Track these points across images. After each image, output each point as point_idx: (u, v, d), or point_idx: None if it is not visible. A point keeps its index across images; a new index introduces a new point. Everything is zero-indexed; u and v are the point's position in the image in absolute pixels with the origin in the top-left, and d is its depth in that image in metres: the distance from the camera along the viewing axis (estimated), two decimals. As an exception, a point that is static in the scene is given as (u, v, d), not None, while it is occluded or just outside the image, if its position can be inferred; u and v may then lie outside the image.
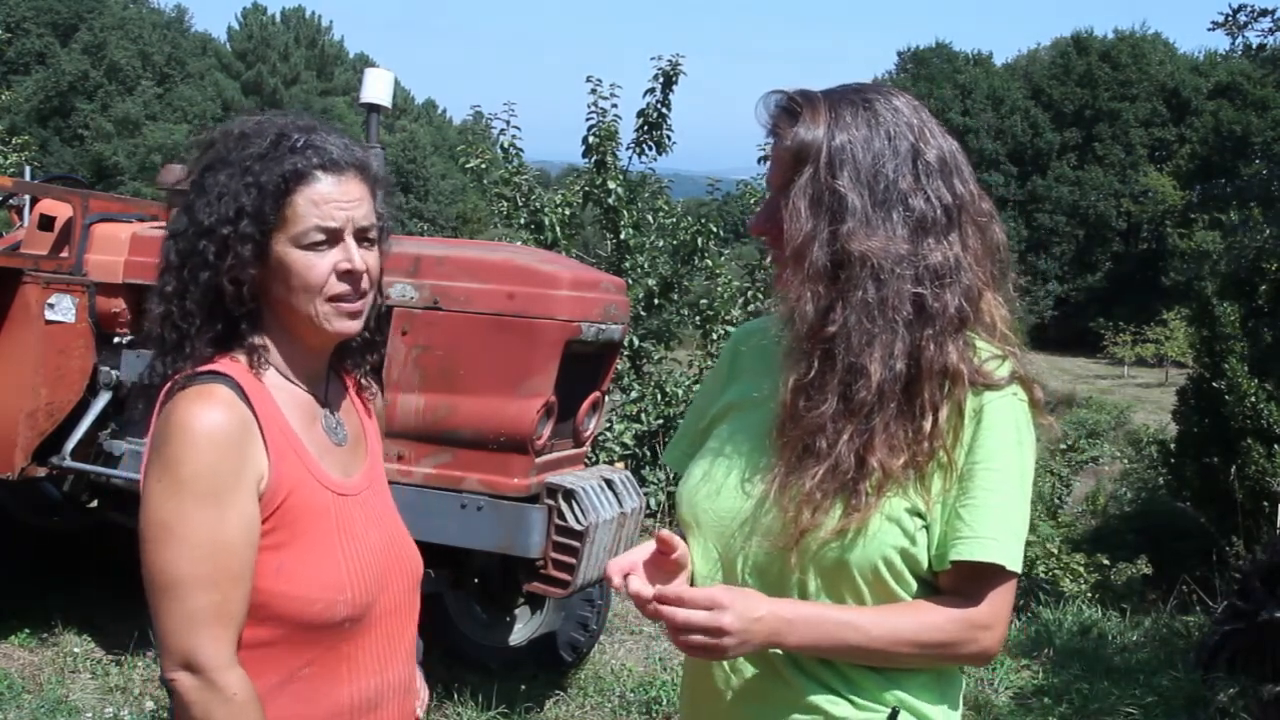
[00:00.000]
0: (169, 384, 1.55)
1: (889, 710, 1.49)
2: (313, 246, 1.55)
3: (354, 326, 1.61)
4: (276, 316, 1.59)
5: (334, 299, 1.57)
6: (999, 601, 1.48)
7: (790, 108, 1.52)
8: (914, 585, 1.49)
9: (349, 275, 1.57)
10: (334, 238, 1.57)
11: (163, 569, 1.46)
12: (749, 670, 1.53)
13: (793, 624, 1.45)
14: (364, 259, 1.58)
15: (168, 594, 1.46)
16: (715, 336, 8.91)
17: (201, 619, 1.45)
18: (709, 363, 9.08)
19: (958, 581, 1.48)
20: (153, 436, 1.52)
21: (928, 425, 1.46)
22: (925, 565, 1.48)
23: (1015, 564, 1.45)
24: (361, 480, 1.67)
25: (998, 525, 1.45)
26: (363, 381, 1.78)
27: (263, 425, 1.53)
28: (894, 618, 1.47)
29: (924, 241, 1.47)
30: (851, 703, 1.49)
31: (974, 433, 1.47)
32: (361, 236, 1.59)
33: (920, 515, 1.47)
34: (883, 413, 1.45)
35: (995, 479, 1.46)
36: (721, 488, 1.57)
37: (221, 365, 1.55)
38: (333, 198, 1.56)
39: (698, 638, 1.41)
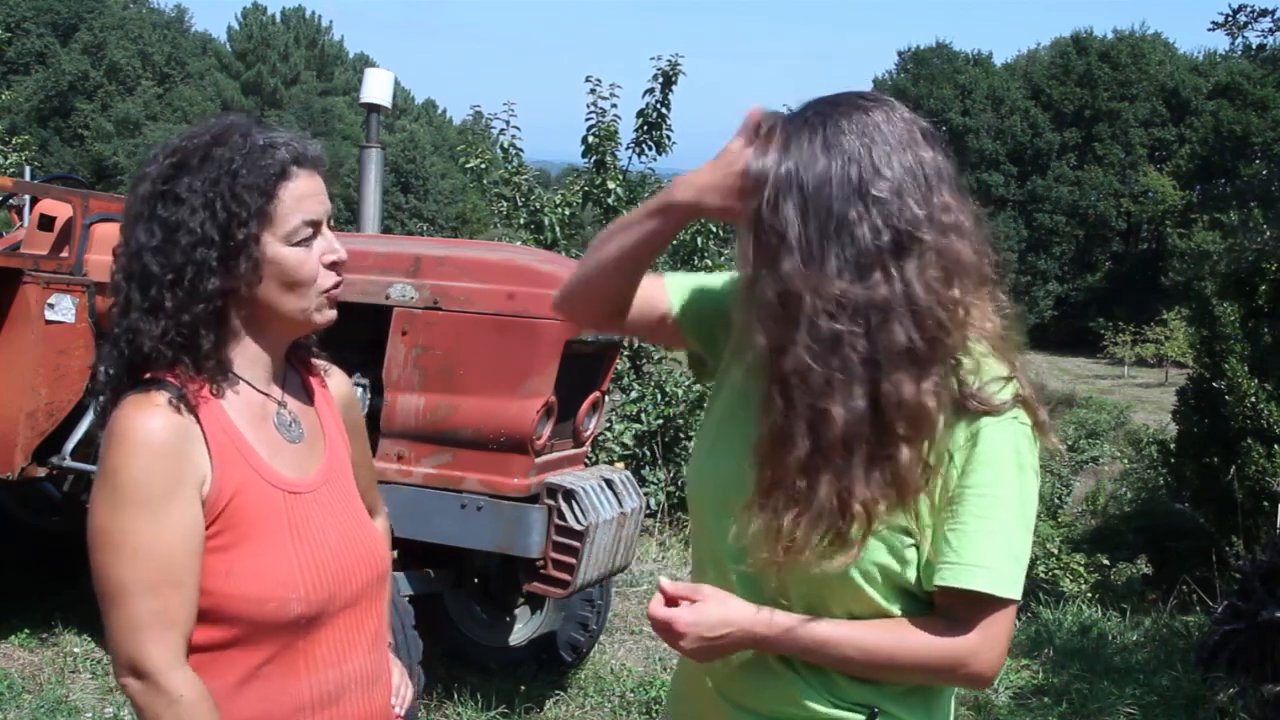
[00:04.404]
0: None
1: (868, 711, 1.49)
2: (302, 242, 1.57)
3: (334, 314, 1.64)
4: (249, 315, 1.58)
5: (324, 290, 1.60)
6: (993, 628, 1.44)
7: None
8: (902, 599, 1.48)
9: (335, 265, 1.61)
10: (316, 230, 1.59)
11: (105, 575, 1.47)
12: (737, 656, 1.55)
13: (766, 640, 1.48)
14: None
15: (112, 600, 1.47)
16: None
17: (144, 624, 1.46)
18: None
19: (948, 604, 1.46)
20: (101, 444, 1.53)
21: (904, 459, 1.41)
22: (915, 581, 1.47)
23: (1006, 590, 1.42)
24: (318, 477, 1.65)
25: (986, 552, 1.42)
26: (314, 362, 1.77)
27: (205, 429, 1.52)
28: (873, 640, 1.45)
29: (870, 275, 1.38)
30: (831, 702, 1.50)
31: (968, 456, 1.44)
32: (330, 226, 1.63)
33: (909, 534, 1.45)
34: (857, 453, 1.40)
35: (987, 505, 1.43)
36: (714, 502, 1.57)
37: (168, 371, 1.53)
38: (311, 191, 1.59)
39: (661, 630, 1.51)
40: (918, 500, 1.44)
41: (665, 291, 1.71)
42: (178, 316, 1.52)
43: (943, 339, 1.41)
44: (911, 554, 1.45)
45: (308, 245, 1.58)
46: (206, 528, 1.51)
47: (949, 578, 1.43)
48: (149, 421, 1.48)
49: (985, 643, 1.44)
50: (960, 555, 1.42)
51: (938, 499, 1.45)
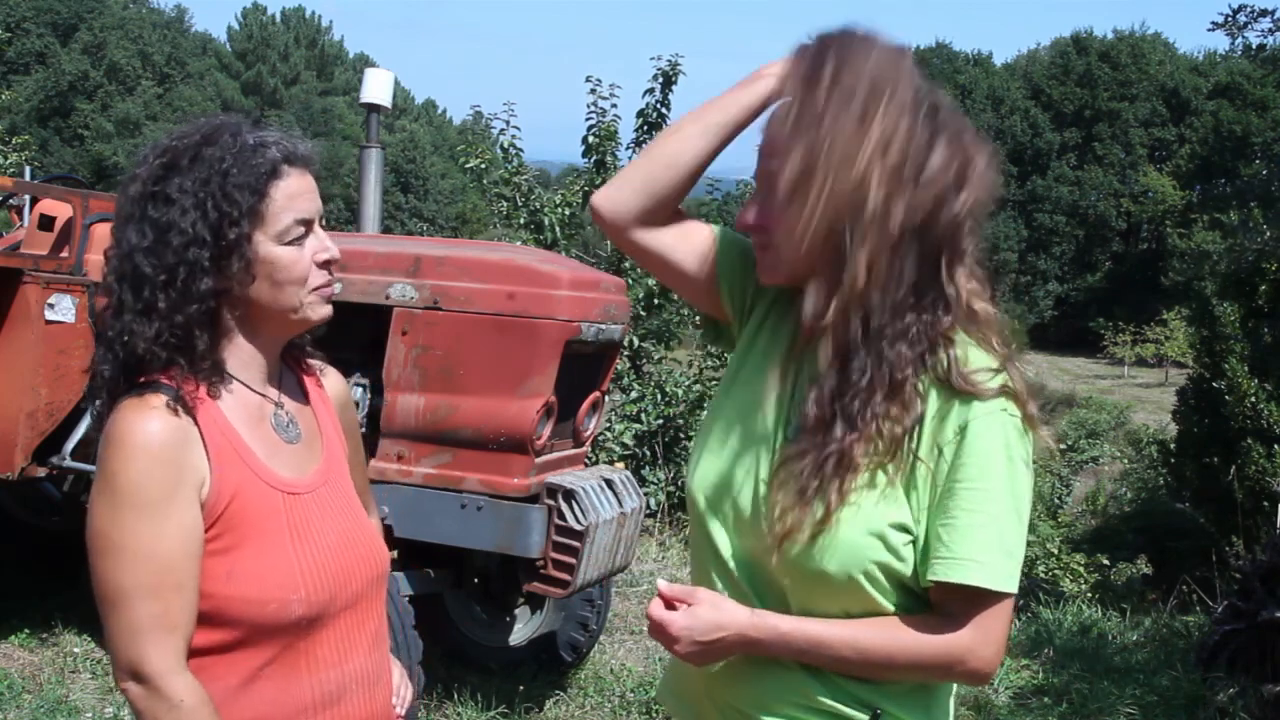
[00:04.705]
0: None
1: (871, 712, 1.49)
2: (294, 241, 1.57)
3: (330, 310, 1.64)
4: (243, 315, 1.58)
5: (315, 288, 1.60)
6: (988, 623, 1.44)
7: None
8: (903, 597, 1.48)
9: (328, 264, 1.61)
10: (308, 229, 1.59)
11: (105, 580, 1.47)
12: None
13: (760, 643, 1.49)
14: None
15: (112, 605, 1.47)
16: (715, 336, 8.89)
17: (144, 628, 1.45)
18: (709, 363, 9.09)
19: (943, 600, 1.46)
20: (99, 448, 1.52)
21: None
22: (915, 579, 1.47)
23: (1000, 584, 1.42)
24: (316, 477, 1.65)
25: (978, 546, 1.42)
26: (309, 362, 1.77)
27: (203, 431, 1.51)
28: (869, 639, 1.46)
29: (934, 147, 1.45)
30: (835, 698, 1.50)
31: (957, 450, 1.44)
32: (321, 225, 1.64)
33: (907, 530, 1.45)
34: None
35: (977, 498, 1.43)
36: (715, 500, 1.58)
37: (164, 373, 1.53)
38: (303, 190, 1.59)
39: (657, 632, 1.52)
40: (910, 488, 1.45)
41: (712, 235, 1.68)
42: (171, 317, 1.51)
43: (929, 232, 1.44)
44: (909, 551, 1.45)
45: (300, 244, 1.58)
46: (206, 530, 1.50)
47: (940, 572, 1.43)
48: (147, 424, 1.48)
49: (981, 638, 1.44)
50: (951, 550, 1.42)
51: (928, 494, 1.45)
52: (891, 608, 1.47)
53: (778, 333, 1.61)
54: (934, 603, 1.47)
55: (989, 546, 1.42)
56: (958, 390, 1.45)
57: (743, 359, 1.64)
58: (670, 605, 1.51)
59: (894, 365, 1.45)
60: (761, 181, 1.53)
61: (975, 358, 1.47)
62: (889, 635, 1.46)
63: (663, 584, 1.52)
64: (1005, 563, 1.43)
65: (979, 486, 1.43)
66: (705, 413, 1.73)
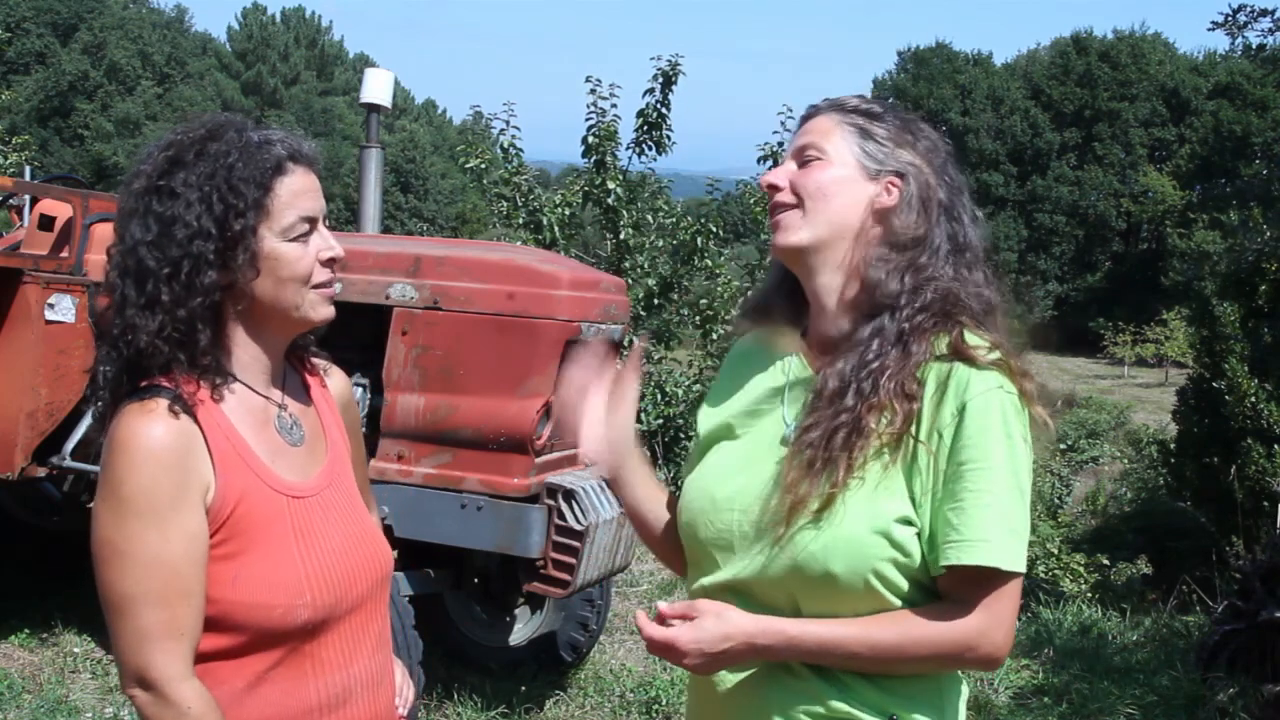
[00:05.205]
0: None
1: (886, 716, 1.49)
2: (299, 238, 1.57)
3: (333, 310, 1.63)
4: (246, 311, 1.57)
5: (317, 285, 1.60)
6: (997, 605, 1.45)
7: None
8: (910, 593, 1.48)
9: (331, 261, 1.61)
10: (312, 227, 1.59)
11: (111, 587, 1.46)
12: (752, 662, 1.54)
13: (769, 649, 1.49)
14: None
15: (118, 612, 1.46)
16: (715, 336, 8.93)
17: (151, 635, 1.45)
18: (709, 363, 9.09)
19: (954, 586, 1.46)
20: (102, 453, 1.52)
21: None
22: (923, 572, 1.47)
23: (1011, 564, 1.43)
24: (320, 480, 1.65)
25: (987, 526, 1.43)
26: (313, 361, 1.76)
27: (207, 435, 1.51)
28: (878, 634, 1.46)
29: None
30: (849, 704, 1.50)
31: (956, 433, 1.46)
32: (325, 224, 1.64)
33: (910, 523, 1.46)
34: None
35: (981, 478, 1.44)
36: (717, 501, 1.59)
37: (165, 377, 1.52)
38: (307, 188, 1.59)
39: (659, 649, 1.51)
40: (912, 476, 1.47)
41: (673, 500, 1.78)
42: (174, 311, 1.50)
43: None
44: (914, 545, 1.46)
45: (304, 241, 1.58)
46: (211, 535, 1.50)
47: (952, 556, 1.44)
48: (151, 429, 1.47)
49: (991, 622, 1.45)
50: (961, 533, 1.43)
51: (930, 478, 1.46)
52: (903, 605, 1.48)
53: (737, 380, 1.71)
54: (943, 591, 1.48)
55: (999, 526, 1.43)
56: (955, 361, 1.48)
57: (714, 413, 1.73)
58: (665, 624, 1.51)
59: (912, 343, 1.50)
60: (797, 154, 1.61)
61: (970, 338, 1.52)
62: (898, 627, 1.46)
63: (663, 605, 1.51)
64: (1012, 541, 1.44)
65: (981, 466, 1.44)
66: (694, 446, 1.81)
